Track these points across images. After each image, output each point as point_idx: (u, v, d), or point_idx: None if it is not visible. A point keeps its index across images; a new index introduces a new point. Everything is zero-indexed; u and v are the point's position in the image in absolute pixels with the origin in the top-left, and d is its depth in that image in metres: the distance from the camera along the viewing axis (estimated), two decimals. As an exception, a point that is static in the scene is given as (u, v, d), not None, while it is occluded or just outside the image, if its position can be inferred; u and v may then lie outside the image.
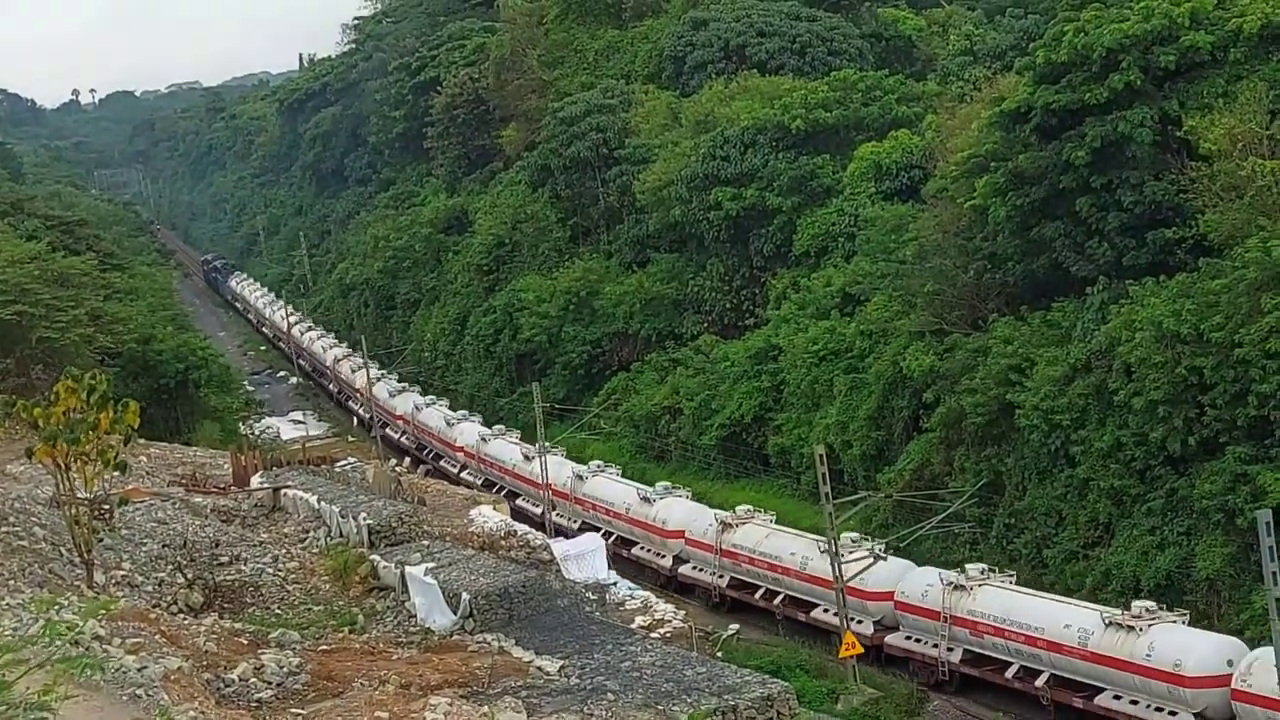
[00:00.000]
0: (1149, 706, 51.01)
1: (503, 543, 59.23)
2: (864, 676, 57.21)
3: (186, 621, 44.86)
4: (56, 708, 12.97)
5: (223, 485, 71.31)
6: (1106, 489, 60.19)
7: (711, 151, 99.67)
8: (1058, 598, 57.10)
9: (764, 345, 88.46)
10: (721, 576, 70.51)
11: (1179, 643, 50.40)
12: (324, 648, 43.85)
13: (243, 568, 53.95)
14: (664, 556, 74.52)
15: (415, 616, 50.04)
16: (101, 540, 48.21)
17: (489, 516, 64.30)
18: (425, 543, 57.18)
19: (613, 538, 75.77)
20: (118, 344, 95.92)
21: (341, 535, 58.92)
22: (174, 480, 70.92)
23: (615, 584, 60.30)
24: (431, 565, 52.21)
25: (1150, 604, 52.36)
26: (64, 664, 13.25)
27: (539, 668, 43.31)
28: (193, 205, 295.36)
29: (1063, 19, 71.03)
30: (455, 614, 48.87)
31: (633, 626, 53.91)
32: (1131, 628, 51.44)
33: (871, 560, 60.05)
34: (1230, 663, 49.05)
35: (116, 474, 44.94)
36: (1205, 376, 56.25)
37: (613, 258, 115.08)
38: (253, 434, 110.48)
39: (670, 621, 57.49)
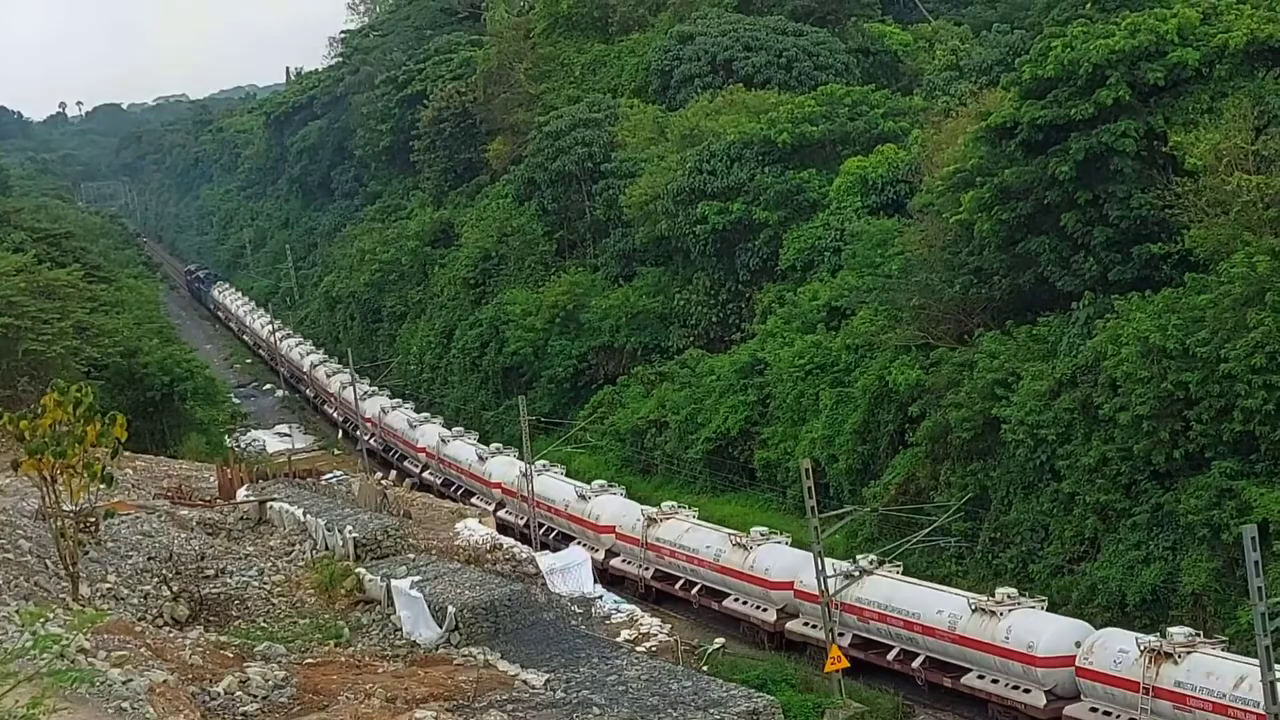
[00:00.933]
0: (1008, 685, 54.53)
1: (488, 556, 59.25)
2: (849, 690, 57.20)
3: (172, 634, 44.82)
4: (43, 720, 12.98)
5: (209, 498, 71.20)
6: (1092, 504, 60.25)
7: (698, 165, 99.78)
8: (935, 586, 60.62)
9: (750, 359, 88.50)
10: (647, 569, 74.42)
11: (1032, 625, 54.10)
12: (310, 661, 43.83)
13: (228, 581, 53.87)
14: (598, 550, 75.69)
15: (401, 630, 50.02)
16: (87, 553, 48.18)
17: (475, 530, 64.31)
18: (411, 556, 57.15)
19: (554, 533, 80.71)
20: (104, 356, 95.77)
21: (327, 548, 58.86)
22: (160, 493, 70.79)
23: (601, 597, 60.26)
24: (417, 578, 52.18)
25: (1012, 590, 56.23)
26: (51, 677, 13.25)
27: (524, 681, 43.33)
28: (179, 218, 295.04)
29: (1049, 34, 71.25)
30: (441, 627, 48.86)
31: (618, 640, 53.87)
32: (994, 612, 55.03)
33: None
34: (1077, 644, 52.52)
35: (102, 487, 44.89)
36: (1191, 391, 56.34)
37: (599, 271, 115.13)
38: (239, 447, 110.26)
39: (656, 635, 57.43)
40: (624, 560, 76.14)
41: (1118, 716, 50.31)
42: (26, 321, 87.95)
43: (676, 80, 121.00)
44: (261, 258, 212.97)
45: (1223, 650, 48.71)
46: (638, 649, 52.40)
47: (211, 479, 76.40)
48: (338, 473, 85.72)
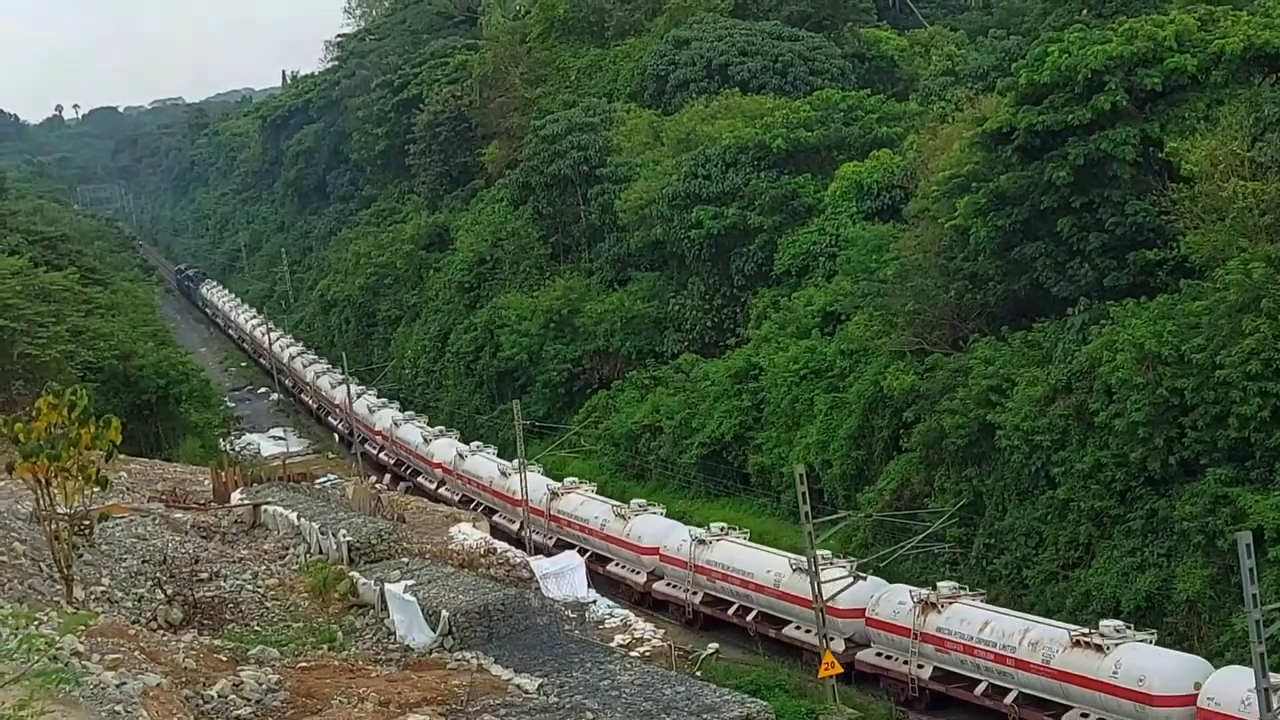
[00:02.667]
0: (809, 632, 61.25)
1: (482, 560, 59.26)
2: (843, 697, 57.14)
3: (166, 638, 44.79)
4: (34, 722, 12.95)
5: (203, 501, 71.22)
6: (1087, 510, 60.21)
7: (693, 170, 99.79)
8: (765, 548, 68.77)
9: (745, 364, 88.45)
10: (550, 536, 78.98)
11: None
12: (303, 665, 43.82)
13: (222, 584, 53.85)
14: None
15: (394, 634, 50.02)
16: (81, 556, 48.16)
17: (468, 534, 64.33)
18: (405, 560, 57.17)
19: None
20: (99, 359, 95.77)
21: (321, 552, 58.86)
22: (154, 496, 70.82)
23: (594, 602, 60.22)
24: (411, 583, 52.18)
25: (826, 552, 61.34)
26: (40, 678, 13.22)
27: (518, 686, 43.33)
28: (175, 221, 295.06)
29: (1046, 40, 71.26)
30: (434, 631, 48.86)
31: (612, 645, 53.82)
32: (801, 570, 61.00)
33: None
34: (871, 596, 60.53)
35: (97, 490, 44.87)
36: (1186, 398, 56.32)
37: (594, 276, 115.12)
38: (233, 450, 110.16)
39: (649, 640, 57.39)
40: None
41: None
42: (22, 324, 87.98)
43: (672, 85, 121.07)
44: (257, 261, 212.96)
45: None
46: (631, 654, 52.37)
47: (206, 482, 76.43)
48: (332, 476, 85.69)
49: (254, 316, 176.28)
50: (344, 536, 58.17)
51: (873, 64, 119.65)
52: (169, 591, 50.74)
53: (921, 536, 65.16)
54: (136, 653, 36.94)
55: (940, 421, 67.79)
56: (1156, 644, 51.03)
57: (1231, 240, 59.04)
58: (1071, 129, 65.15)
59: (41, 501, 44.21)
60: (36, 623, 32.32)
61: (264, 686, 39.02)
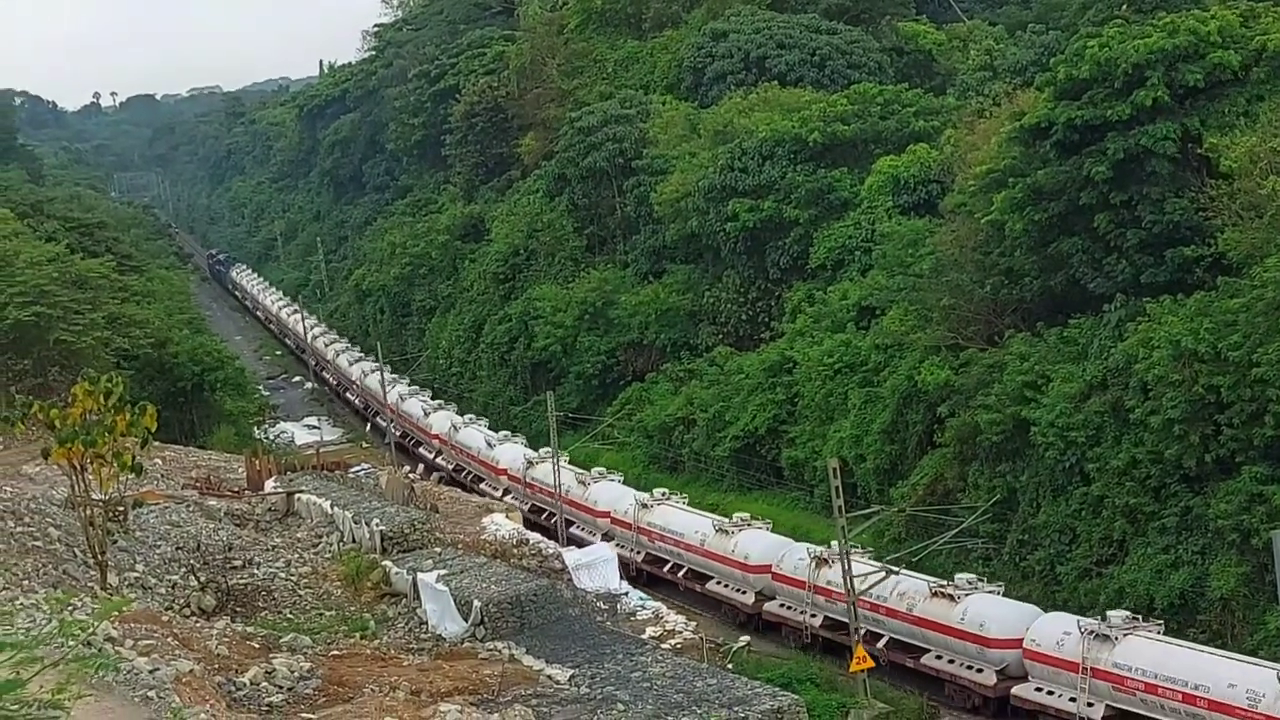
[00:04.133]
0: (728, 586, 70.74)
1: (515, 551, 59.22)
2: (874, 691, 57.09)
3: (198, 624, 44.88)
4: (69, 707, 12.96)
5: (237, 489, 71.40)
6: (1121, 507, 60.04)
7: (729, 163, 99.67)
8: (700, 512, 75.86)
9: (779, 358, 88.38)
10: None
11: (749, 540, 69.65)
12: (335, 653, 43.84)
13: (255, 572, 53.95)
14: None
15: (426, 623, 50.07)
16: (116, 542, 48.32)
17: (501, 525, 64.32)
18: (438, 550, 57.20)
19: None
20: (134, 346, 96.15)
21: (354, 541, 58.96)
22: (188, 483, 71.02)
23: (627, 594, 60.22)
24: (443, 572, 52.23)
25: (745, 515, 72.49)
26: (77, 663, 13.26)
27: (549, 676, 43.30)
28: (211, 209, 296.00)
29: (1085, 35, 70.97)
30: (466, 621, 48.88)
31: (644, 637, 53.81)
32: (727, 531, 70.89)
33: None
34: (778, 553, 67.69)
35: (132, 476, 44.98)
36: (1222, 395, 56.10)
37: (629, 268, 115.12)
38: (267, 438, 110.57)
39: (681, 633, 57.39)
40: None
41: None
42: (58, 311, 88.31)
43: (709, 78, 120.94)
44: (293, 250, 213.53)
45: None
46: (663, 646, 52.35)
47: (240, 470, 76.61)
48: (365, 465, 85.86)
49: (280, 298, 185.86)
50: (377, 525, 58.25)
51: (910, 58, 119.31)
52: (202, 578, 50.88)
53: (954, 532, 65.02)
54: (169, 639, 37.01)
55: (974, 417, 67.63)
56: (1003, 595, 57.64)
57: (1270, 238, 58.79)
58: (1110, 124, 64.89)
59: (76, 487, 44.35)
60: (71, 608, 32.42)
61: (296, 674, 39.04)
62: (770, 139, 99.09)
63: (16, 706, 12.48)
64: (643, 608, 59.81)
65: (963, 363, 71.51)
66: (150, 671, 29.54)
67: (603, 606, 55.14)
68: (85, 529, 45.28)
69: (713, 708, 39.20)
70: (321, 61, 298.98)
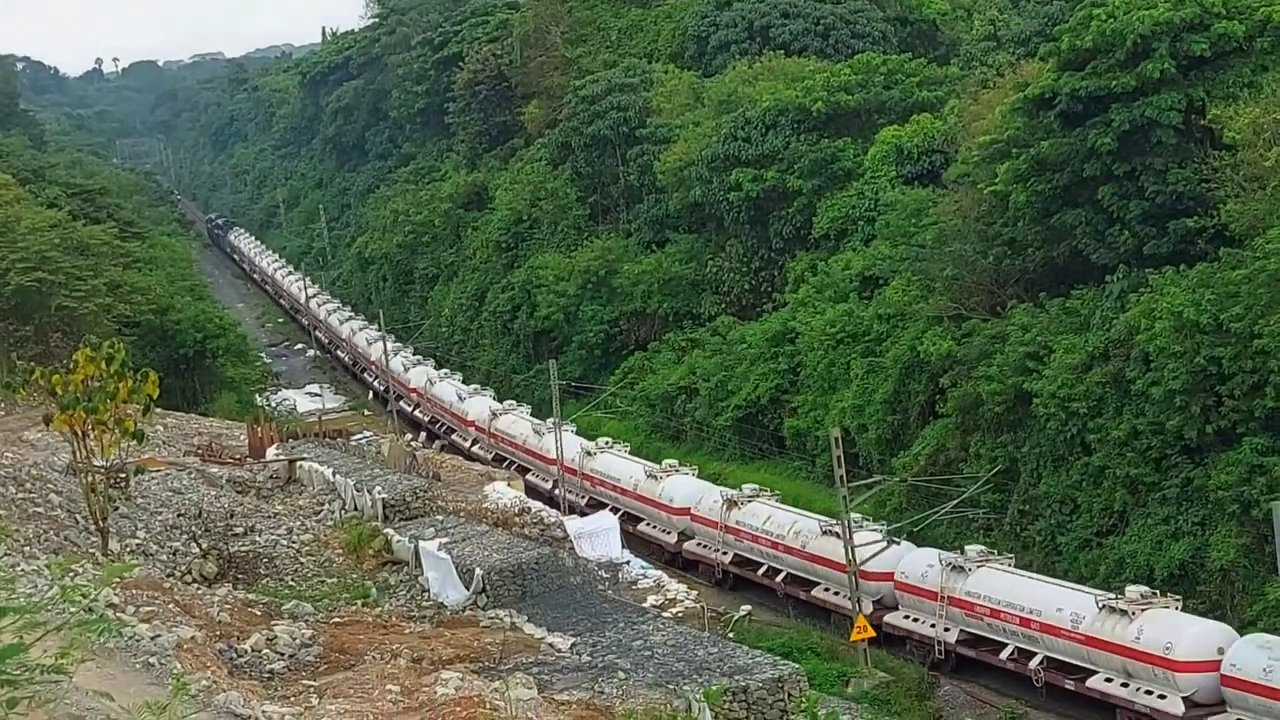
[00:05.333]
0: (655, 527, 75.26)
1: (516, 519, 59.36)
2: (875, 660, 57.25)
3: (200, 591, 45.01)
4: (72, 672, 13.01)
5: (238, 456, 71.53)
6: (1122, 477, 60.07)
7: (732, 132, 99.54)
8: (634, 458, 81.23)
9: (781, 327, 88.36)
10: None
11: (674, 484, 74.98)
12: (336, 620, 43.95)
13: (257, 539, 54.10)
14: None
15: (428, 591, 50.22)
16: (117, 509, 48.40)
17: (503, 493, 64.43)
18: (439, 518, 57.37)
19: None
20: (136, 313, 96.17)
21: (356, 509, 59.09)
22: (190, 450, 71.14)
23: (628, 563, 60.36)
24: (445, 540, 52.37)
25: (673, 461, 78.30)
26: (79, 628, 13.30)
27: (550, 644, 43.42)
28: (213, 176, 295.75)
29: (1090, 5, 70.77)
30: (468, 589, 49.03)
31: (645, 606, 53.95)
32: (656, 477, 76.08)
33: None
34: (696, 498, 72.74)
35: (133, 443, 45.06)
36: (1224, 367, 56.09)
37: (632, 237, 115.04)
38: (269, 405, 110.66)
39: (682, 601, 57.53)
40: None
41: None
42: (60, 278, 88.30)
43: (713, 46, 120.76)
44: (295, 217, 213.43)
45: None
46: (664, 615, 52.47)
47: (241, 437, 76.76)
48: (367, 433, 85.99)
49: (276, 260, 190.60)
50: (379, 493, 58.38)
51: (914, 28, 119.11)
52: (204, 545, 51.01)
53: (956, 502, 65.15)
54: (171, 606, 37.12)
55: (976, 387, 67.64)
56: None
57: (1272, 209, 58.71)
58: (1115, 95, 64.76)
59: (78, 454, 44.44)
60: (72, 574, 32.49)
61: (297, 641, 39.15)
62: (774, 108, 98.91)
63: (19, 671, 12.53)
64: (644, 576, 59.94)
65: (965, 333, 71.50)
66: (151, 638, 29.63)
67: (604, 575, 55.31)
68: (87, 495, 45.38)
69: (714, 676, 39.31)
70: (324, 28, 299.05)
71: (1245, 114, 61.68)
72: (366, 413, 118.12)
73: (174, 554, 49.71)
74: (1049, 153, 67.49)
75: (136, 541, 49.31)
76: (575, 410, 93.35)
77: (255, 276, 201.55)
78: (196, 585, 46.97)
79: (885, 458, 74.29)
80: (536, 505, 64.02)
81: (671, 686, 38.08)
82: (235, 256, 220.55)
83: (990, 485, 66.28)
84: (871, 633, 56.72)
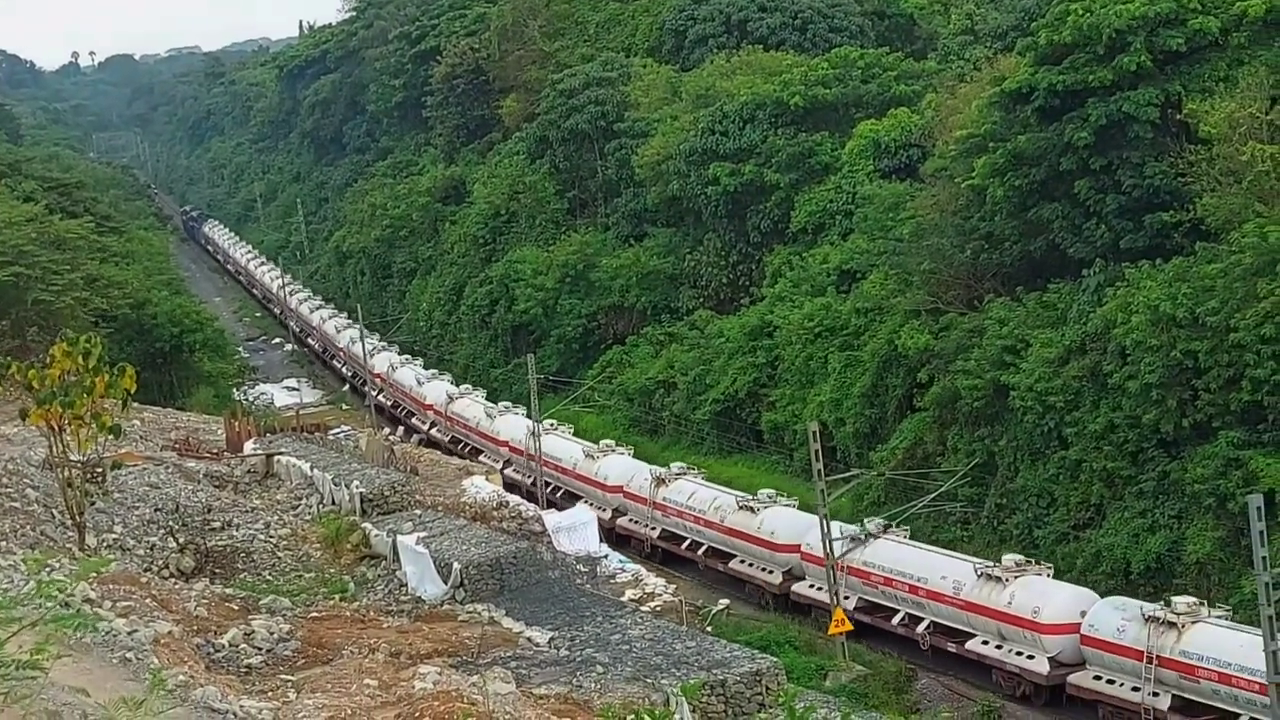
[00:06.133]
0: (593, 505, 73.95)
1: (495, 513, 59.34)
2: (853, 654, 57.34)
3: (177, 586, 44.94)
4: (47, 667, 13.00)
5: (216, 451, 71.37)
6: (1099, 471, 60.24)
7: (710, 126, 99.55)
8: (579, 441, 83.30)
9: (759, 321, 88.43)
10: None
11: (609, 464, 78.20)
12: (314, 615, 43.93)
13: (235, 533, 54.00)
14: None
15: (406, 585, 50.18)
16: (94, 503, 48.33)
17: (481, 487, 64.40)
18: (417, 512, 57.31)
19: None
20: (113, 307, 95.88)
21: (334, 503, 59.01)
22: (167, 445, 70.96)
23: (606, 557, 60.40)
24: (423, 534, 52.33)
25: (610, 441, 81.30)
26: (55, 623, 13.29)
27: (529, 639, 43.43)
28: (190, 170, 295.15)
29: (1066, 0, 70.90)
30: (446, 583, 49.00)
31: (623, 600, 54.01)
32: (594, 456, 79.13)
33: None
34: (629, 475, 76.09)
35: (110, 438, 44.97)
36: (1200, 360, 56.26)
37: (610, 231, 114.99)
38: (247, 400, 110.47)
39: (660, 595, 57.60)
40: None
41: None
42: (36, 271, 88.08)
43: (690, 40, 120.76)
44: (273, 211, 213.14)
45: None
46: (642, 609, 52.54)
47: (219, 432, 76.58)
48: (345, 428, 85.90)
49: (250, 251, 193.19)
50: (357, 488, 58.30)
51: (892, 22, 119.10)
52: (181, 540, 50.91)
53: (933, 496, 65.28)
54: (148, 601, 37.07)
55: (954, 381, 67.78)
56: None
57: (1248, 203, 58.90)
58: (1091, 90, 64.91)
59: (55, 448, 44.37)
60: (49, 569, 32.42)
61: (275, 636, 39.13)
62: (751, 103, 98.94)
63: (-5, 666, 12.54)
64: (622, 570, 60.01)
65: (942, 327, 71.61)
66: (129, 633, 29.58)
67: (582, 569, 55.33)
68: (63, 490, 45.29)
69: (692, 670, 39.38)
70: (301, 22, 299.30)
71: (1221, 108, 61.84)
72: (344, 407, 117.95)
73: (151, 549, 49.62)
74: (1026, 147, 67.63)
75: (113, 536, 49.21)
76: (554, 404, 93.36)
77: (229, 268, 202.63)
78: (174, 580, 46.89)
79: (863, 451, 74.38)
80: (515, 499, 64.03)
81: (649, 680, 38.15)
82: (210, 248, 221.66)
83: (968, 479, 66.42)
84: (849, 626, 56.80)
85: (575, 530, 59.98)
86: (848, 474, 66.82)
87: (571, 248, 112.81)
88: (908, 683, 56.93)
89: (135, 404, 58.84)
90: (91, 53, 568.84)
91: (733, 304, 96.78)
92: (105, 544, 47.88)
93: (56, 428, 43.37)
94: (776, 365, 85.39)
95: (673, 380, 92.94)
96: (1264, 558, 38.93)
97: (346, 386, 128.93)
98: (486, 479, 68.14)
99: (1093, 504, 60.81)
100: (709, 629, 54.93)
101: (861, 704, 50.90)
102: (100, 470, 48.34)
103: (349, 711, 28.39)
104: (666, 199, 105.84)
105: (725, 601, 65.36)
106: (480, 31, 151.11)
